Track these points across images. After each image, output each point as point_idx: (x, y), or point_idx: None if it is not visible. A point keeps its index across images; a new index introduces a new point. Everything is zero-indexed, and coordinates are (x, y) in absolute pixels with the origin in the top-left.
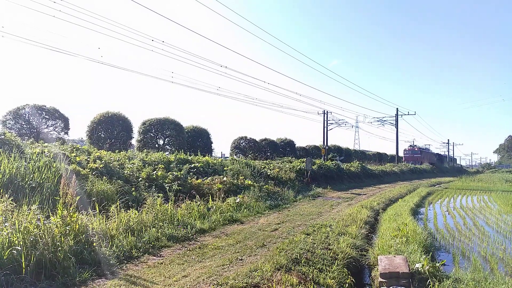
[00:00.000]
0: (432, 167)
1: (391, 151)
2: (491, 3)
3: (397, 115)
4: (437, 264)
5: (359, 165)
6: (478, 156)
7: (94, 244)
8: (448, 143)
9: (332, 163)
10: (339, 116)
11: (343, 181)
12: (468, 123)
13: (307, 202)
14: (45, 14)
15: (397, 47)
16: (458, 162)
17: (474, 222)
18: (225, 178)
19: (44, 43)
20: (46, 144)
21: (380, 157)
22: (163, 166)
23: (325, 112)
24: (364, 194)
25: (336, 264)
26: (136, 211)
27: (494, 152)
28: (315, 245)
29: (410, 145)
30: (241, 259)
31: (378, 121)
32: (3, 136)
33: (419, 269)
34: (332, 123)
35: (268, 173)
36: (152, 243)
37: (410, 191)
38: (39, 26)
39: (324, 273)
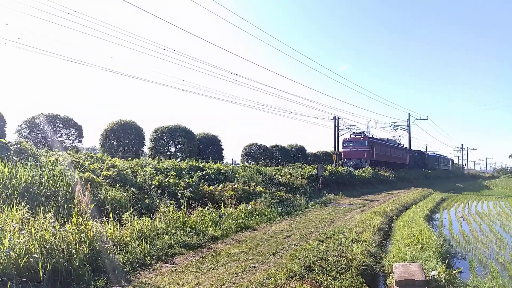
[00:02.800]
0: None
1: None
2: (506, 3)
3: (409, 120)
4: (454, 272)
5: (371, 170)
6: (493, 161)
7: (109, 251)
8: (462, 148)
9: (344, 169)
10: (350, 121)
11: (355, 187)
12: (482, 127)
13: (319, 208)
14: (59, 25)
15: (407, 50)
16: (472, 166)
17: (491, 229)
18: (236, 185)
19: (58, 53)
20: (60, 152)
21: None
22: (175, 173)
23: (336, 117)
24: (377, 200)
25: (350, 271)
26: (149, 219)
27: (509, 157)
28: (328, 252)
29: (355, 133)
30: (254, 267)
31: (390, 126)
32: (19, 145)
33: (435, 277)
34: (343, 129)
35: (280, 180)
36: (165, 250)
37: (424, 197)
38: (54, 37)
39: (338, 281)
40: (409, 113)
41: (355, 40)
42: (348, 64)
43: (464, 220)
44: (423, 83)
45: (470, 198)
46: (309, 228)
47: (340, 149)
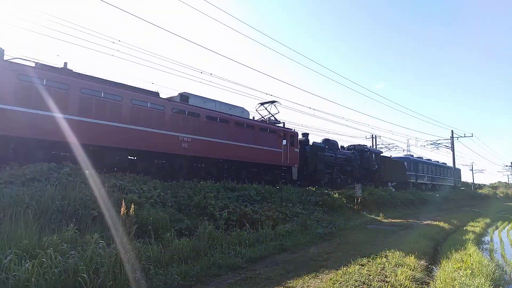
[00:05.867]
0: None
1: None
2: None
3: (452, 137)
4: None
5: (413, 190)
6: None
7: (150, 272)
8: (511, 166)
9: (384, 189)
10: (389, 140)
11: (396, 208)
12: None
13: (359, 230)
14: (104, 53)
15: (446, 65)
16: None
17: None
18: (273, 206)
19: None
20: (107, 174)
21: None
22: (212, 194)
23: (374, 136)
24: (421, 222)
25: None
26: (188, 239)
27: None
28: (370, 277)
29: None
30: None
31: (432, 144)
32: (69, 169)
33: None
34: (381, 148)
35: (317, 200)
36: (204, 271)
37: (473, 218)
38: (99, 64)
39: None
40: (452, 130)
41: (390, 58)
42: (384, 82)
43: None
44: (465, 99)
45: None
46: (349, 251)
47: None
